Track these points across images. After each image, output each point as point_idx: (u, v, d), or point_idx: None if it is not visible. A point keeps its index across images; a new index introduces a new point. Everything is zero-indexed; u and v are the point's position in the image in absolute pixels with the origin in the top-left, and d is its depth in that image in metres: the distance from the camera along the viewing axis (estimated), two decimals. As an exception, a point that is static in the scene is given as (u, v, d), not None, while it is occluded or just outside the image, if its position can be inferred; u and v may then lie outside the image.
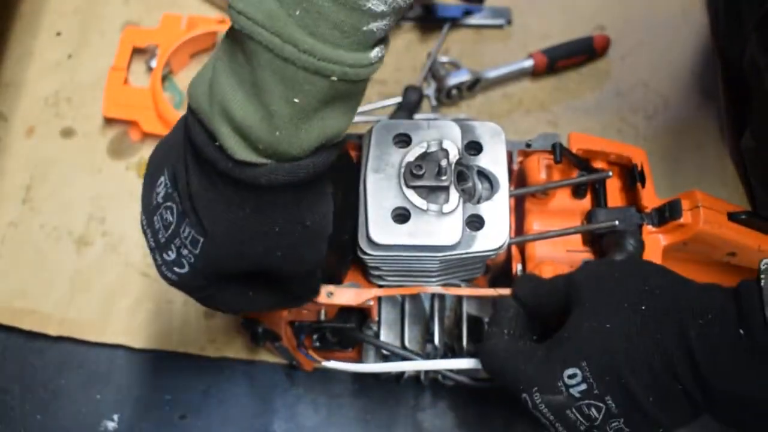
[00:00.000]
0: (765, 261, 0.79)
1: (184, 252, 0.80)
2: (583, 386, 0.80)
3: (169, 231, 0.80)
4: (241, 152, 0.73)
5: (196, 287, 0.84)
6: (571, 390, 0.81)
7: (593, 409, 0.81)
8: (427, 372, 1.11)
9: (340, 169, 0.96)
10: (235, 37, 0.71)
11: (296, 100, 0.70)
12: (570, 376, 0.81)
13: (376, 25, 0.68)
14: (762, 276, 0.77)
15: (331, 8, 0.66)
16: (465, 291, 0.98)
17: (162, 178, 0.82)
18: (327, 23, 0.67)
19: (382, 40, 0.72)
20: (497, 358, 0.88)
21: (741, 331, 0.75)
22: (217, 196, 0.76)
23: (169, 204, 0.81)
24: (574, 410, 0.81)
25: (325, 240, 0.83)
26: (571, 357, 0.81)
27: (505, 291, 0.94)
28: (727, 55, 1.46)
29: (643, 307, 0.80)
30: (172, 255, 0.81)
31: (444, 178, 0.92)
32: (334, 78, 0.68)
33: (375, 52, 0.71)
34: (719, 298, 0.79)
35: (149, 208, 0.84)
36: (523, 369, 0.85)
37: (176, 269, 0.81)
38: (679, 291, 0.82)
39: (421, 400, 1.24)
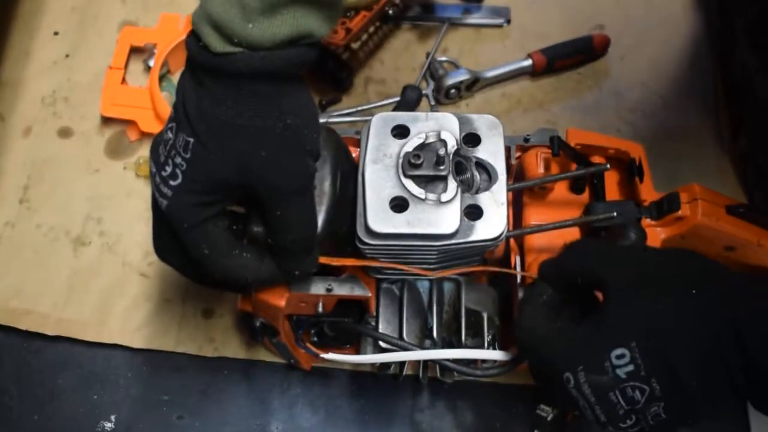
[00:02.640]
0: None
1: (177, 160, 0.84)
2: (631, 367, 0.79)
3: (167, 147, 0.85)
4: (219, 45, 0.79)
5: (190, 209, 0.86)
6: (618, 370, 0.79)
7: (637, 392, 0.79)
8: (425, 369, 1.10)
9: (339, 160, 0.97)
10: None
11: None
12: (618, 356, 0.79)
13: None
14: None
15: None
16: (479, 268, 0.98)
17: (172, 110, 0.87)
18: None
19: None
20: (535, 335, 0.87)
21: None
22: (203, 94, 0.82)
23: (170, 125, 0.86)
24: (617, 392, 0.80)
25: (310, 155, 0.87)
26: (620, 336, 0.79)
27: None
28: (723, 56, 1.47)
29: (694, 291, 0.79)
30: (168, 169, 0.85)
31: (442, 167, 0.91)
32: None
33: None
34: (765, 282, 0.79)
35: (157, 141, 0.88)
36: (565, 347, 0.83)
37: (171, 182, 0.85)
38: (729, 276, 0.81)
39: (419, 401, 1.24)
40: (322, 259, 0.94)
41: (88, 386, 1.25)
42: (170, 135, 0.86)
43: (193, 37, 0.82)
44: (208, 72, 0.81)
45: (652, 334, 0.78)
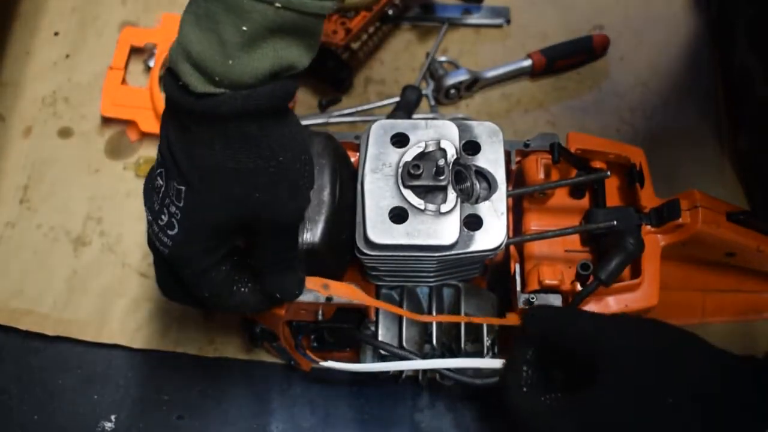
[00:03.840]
0: None
1: (172, 209, 0.83)
2: None
3: (160, 195, 0.84)
4: (200, 85, 0.77)
5: (191, 257, 0.86)
6: None
7: None
8: (425, 372, 1.10)
9: (338, 169, 0.97)
10: None
11: (245, 28, 0.74)
12: None
13: None
14: None
15: None
16: (474, 319, 0.99)
17: (157, 155, 0.86)
18: None
19: None
20: (526, 411, 0.87)
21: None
22: (189, 140, 0.80)
23: (159, 170, 0.84)
24: None
25: (305, 187, 0.86)
26: (617, 423, 0.81)
27: (514, 320, 0.94)
28: (722, 57, 1.46)
29: (675, 386, 0.80)
30: (165, 218, 0.84)
31: (442, 177, 0.92)
32: (278, 5, 0.73)
33: None
34: (746, 386, 0.79)
35: (148, 187, 0.87)
36: (559, 426, 0.84)
37: (169, 231, 0.84)
38: (707, 365, 0.82)
39: (419, 401, 1.24)
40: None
41: (89, 386, 1.25)
42: (161, 182, 0.84)
43: (171, 77, 0.80)
44: (191, 115, 0.79)
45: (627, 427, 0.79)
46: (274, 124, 0.82)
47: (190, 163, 0.81)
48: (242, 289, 0.91)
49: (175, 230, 0.84)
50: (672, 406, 0.79)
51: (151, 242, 0.89)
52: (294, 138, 0.85)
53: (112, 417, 1.23)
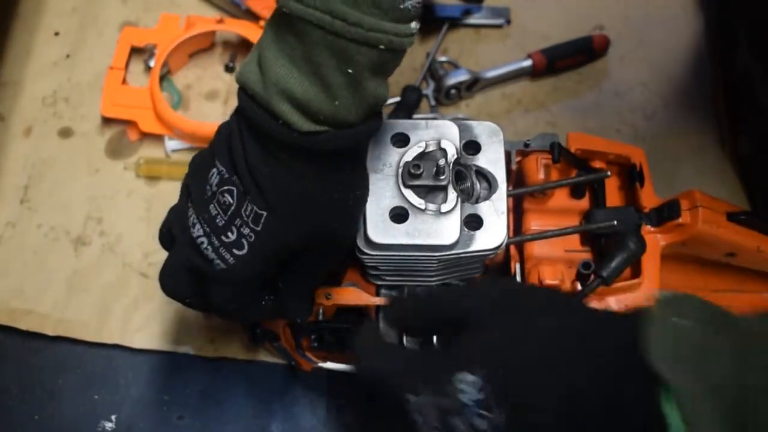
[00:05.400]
0: (659, 296, 0.75)
1: (245, 231, 0.84)
2: (477, 394, 0.76)
3: (229, 213, 0.85)
4: (305, 124, 0.79)
5: (250, 278, 0.87)
6: (463, 396, 0.76)
7: (478, 419, 0.76)
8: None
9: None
10: (283, 22, 0.78)
11: (350, 71, 0.76)
12: (465, 382, 0.77)
13: (410, 3, 0.75)
14: (654, 305, 0.73)
15: None
16: None
17: (213, 170, 0.87)
18: (367, 3, 0.74)
19: (418, 16, 0.78)
20: (378, 355, 0.85)
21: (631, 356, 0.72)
22: (279, 169, 0.82)
23: (227, 187, 0.85)
24: (461, 417, 0.77)
25: (361, 214, 0.91)
26: (468, 362, 0.78)
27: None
28: (723, 59, 1.46)
29: (546, 324, 0.79)
30: (233, 236, 0.85)
31: (442, 177, 0.92)
32: (382, 47, 0.75)
33: (413, 25, 0.77)
34: (617, 319, 0.78)
35: (202, 199, 0.87)
36: (411, 368, 0.81)
37: (235, 251, 0.85)
38: (579, 308, 0.82)
39: (419, 401, 1.24)
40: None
41: (89, 386, 1.25)
42: (231, 200, 0.85)
43: (262, 111, 0.81)
44: (288, 149, 0.81)
45: (498, 362, 0.77)
46: (358, 158, 0.87)
47: (277, 191, 0.83)
48: (263, 303, 0.94)
49: (244, 251, 0.85)
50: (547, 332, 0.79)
51: (161, 233, 0.93)
52: (366, 174, 0.91)
53: (113, 417, 1.23)
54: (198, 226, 0.87)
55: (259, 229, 0.84)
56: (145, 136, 1.42)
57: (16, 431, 1.22)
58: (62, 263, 1.33)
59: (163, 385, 1.25)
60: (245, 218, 0.84)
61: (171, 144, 1.40)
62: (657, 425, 0.67)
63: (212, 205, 0.86)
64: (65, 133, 1.43)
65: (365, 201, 0.90)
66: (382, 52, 0.76)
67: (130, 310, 1.29)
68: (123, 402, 1.24)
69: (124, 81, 1.45)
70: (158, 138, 1.41)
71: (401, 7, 0.75)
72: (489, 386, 0.76)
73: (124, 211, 1.36)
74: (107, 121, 1.43)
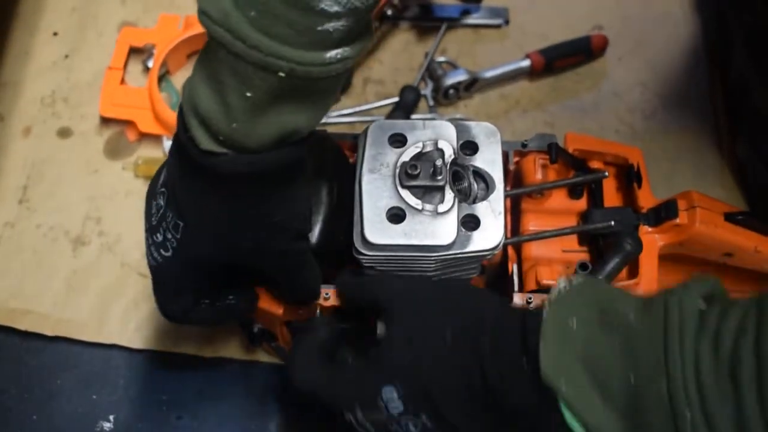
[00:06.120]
0: (559, 287, 0.76)
1: (168, 236, 0.85)
2: (400, 404, 0.82)
3: (159, 215, 0.86)
4: (205, 142, 0.77)
5: (171, 280, 0.90)
6: (390, 407, 0.82)
7: (411, 424, 0.82)
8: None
9: (336, 169, 0.97)
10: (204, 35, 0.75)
11: (248, 94, 0.74)
12: (388, 394, 0.82)
13: (331, 26, 0.70)
14: (546, 306, 0.75)
15: (284, 9, 0.69)
16: None
17: (164, 169, 0.88)
18: (281, 23, 0.69)
19: (348, 41, 0.74)
20: (312, 380, 0.90)
21: (526, 368, 0.75)
22: (191, 184, 0.81)
23: (162, 190, 0.86)
24: (395, 425, 0.83)
25: (300, 239, 0.89)
26: (385, 376, 0.83)
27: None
28: (721, 61, 1.46)
29: (450, 326, 0.82)
30: (160, 237, 0.86)
31: (439, 177, 0.92)
32: (281, 74, 0.72)
33: (334, 53, 0.73)
34: (514, 320, 0.79)
35: (152, 193, 0.89)
36: (341, 388, 0.86)
37: (162, 251, 0.87)
38: (482, 309, 0.83)
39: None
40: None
41: (87, 386, 1.25)
42: (161, 202, 0.86)
43: (181, 123, 0.80)
44: (193, 166, 0.80)
45: (412, 373, 0.81)
46: (274, 187, 0.83)
47: (187, 205, 0.83)
48: (225, 302, 0.96)
49: (169, 254, 0.87)
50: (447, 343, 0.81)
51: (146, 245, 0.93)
52: (294, 199, 0.86)
53: (111, 417, 1.22)
54: (146, 218, 0.90)
55: (179, 236, 0.85)
56: (144, 136, 1.42)
57: (15, 431, 1.22)
58: (61, 263, 1.33)
59: (161, 385, 1.25)
60: (168, 223, 0.85)
61: (169, 144, 1.39)
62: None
63: (154, 202, 0.88)
64: (64, 133, 1.43)
65: (294, 228, 0.88)
66: (283, 79, 0.73)
67: (129, 310, 1.29)
68: (121, 402, 1.24)
69: (122, 81, 1.45)
70: (157, 138, 1.41)
71: (318, 29, 0.70)
72: (406, 396, 0.81)
73: (122, 211, 1.36)
74: (106, 121, 1.43)
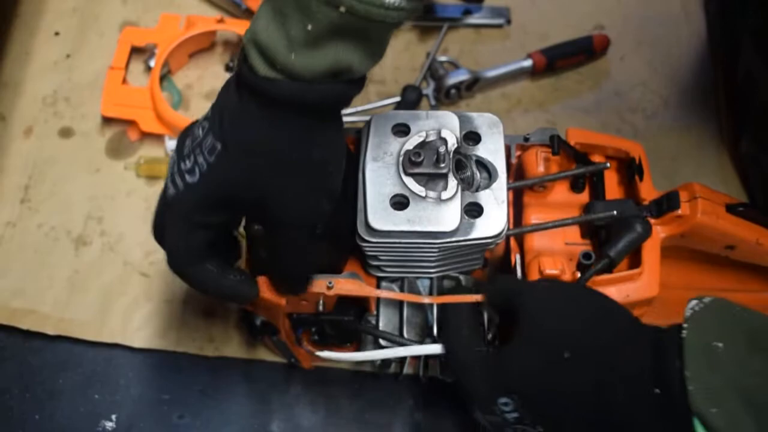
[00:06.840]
0: (691, 305, 0.76)
1: (200, 159, 0.86)
2: (516, 414, 0.84)
3: (195, 143, 0.87)
4: (262, 69, 0.80)
5: (190, 205, 0.88)
6: (506, 415, 0.85)
7: (529, 428, 0.85)
8: (426, 367, 1.10)
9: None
10: None
11: (309, 27, 0.76)
12: (503, 404, 0.84)
13: None
14: (685, 327, 0.74)
15: None
16: (457, 298, 0.98)
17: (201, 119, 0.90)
18: None
19: None
20: (459, 361, 0.91)
21: (657, 390, 0.74)
22: (242, 109, 0.83)
23: (203, 123, 0.87)
24: (510, 429, 0.86)
25: (328, 196, 0.89)
26: (503, 387, 0.84)
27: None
28: (725, 59, 1.46)
29: (577, 339, 0.82)
30: (189, 163, 0.87)
31: (443, 165, 0.92)
32: (342, 9, 0.73)
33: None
34: (642, 348, 0.79)
35: (185, 131, 0.91)
36: (472, 385, 0.88)
37: (187, 176, 0.87)
38: (607, 336, 0.83)
39: (419, 401, 1.24)
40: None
41: (89, 386, 1.25)
42: (200, 133, 0.87)
43: (242, 54, 0.83)
44: (249, 90, 0.82)
45: (530, 387, 0.83)
46: (319, 123, 0.85)
47: (234, 129, 0.84)
48: (231, 277, 0.94)
49: (195, 178, 0.87)
50: (569, 360, 0.81)
51: (158, 231, 0.93)
52: (335, 142, 0.88)
53: (113, 416, 1.22)
54: (175, 150, 0.90)
55: (211, 160, 0.85)
56: (146, 135, 1.42)
57: (17, 431, 1.22)
58: (63, 263, 1.33)
59: (163, 385, 1.25)
60: (204, 148, 0.86)
61: (171, 144, 1.40)
62: None
63: (187, 138, 0.89)
64: (66, 132, 1.43)
65: (326, 175, 0.89)
66: (344, 15, 0.74)
67: (131, 310, 1.29)
68: (123, 401, 1.24)
69: (124, 81, 1.45)
70: (158, 138, 1.41)
71: None
72: (522, 409, 0.83)
73: (124, 210, 1.37)
74: (107, 120, 1.43)
